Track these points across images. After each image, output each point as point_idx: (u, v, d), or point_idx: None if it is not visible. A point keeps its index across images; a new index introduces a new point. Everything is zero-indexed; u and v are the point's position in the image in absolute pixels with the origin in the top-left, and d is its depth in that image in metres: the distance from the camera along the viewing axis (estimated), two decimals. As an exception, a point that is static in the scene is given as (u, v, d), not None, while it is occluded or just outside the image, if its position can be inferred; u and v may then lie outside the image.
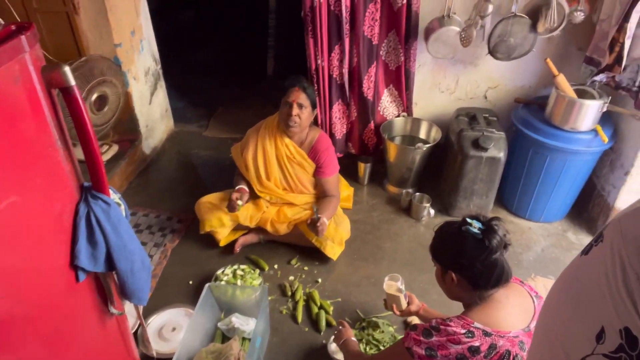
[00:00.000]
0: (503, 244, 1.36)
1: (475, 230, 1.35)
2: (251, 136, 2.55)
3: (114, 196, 1.25)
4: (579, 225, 2.83)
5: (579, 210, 2.87)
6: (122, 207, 1.28)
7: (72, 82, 1.06)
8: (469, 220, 1.38)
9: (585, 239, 2.74)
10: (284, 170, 2.51)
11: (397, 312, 1.94)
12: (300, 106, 2.33)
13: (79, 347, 1.29)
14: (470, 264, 1.36)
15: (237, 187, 2.50)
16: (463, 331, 1.31)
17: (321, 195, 2.57)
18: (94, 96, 2.72)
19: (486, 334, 1.30)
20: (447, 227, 1.47)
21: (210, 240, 2.57)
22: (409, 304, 1.94)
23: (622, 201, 2.55)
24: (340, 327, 1.91)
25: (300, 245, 2.56)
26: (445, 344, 1.31)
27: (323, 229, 2.31)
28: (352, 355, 1.75)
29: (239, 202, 2.36)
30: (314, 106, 2.40)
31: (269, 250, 2.60)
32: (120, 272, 1.24)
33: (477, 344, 1.28)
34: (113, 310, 1.35)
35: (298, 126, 2.37)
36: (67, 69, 1.05)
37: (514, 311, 1.38)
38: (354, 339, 1.85)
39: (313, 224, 2.31)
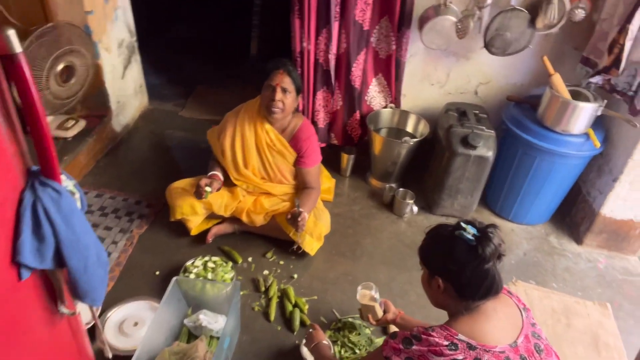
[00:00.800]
0: (497, 254, 1.26)
1: (469, 236, 1.26)
2: (229, 120, 2.39)
3: (67, 183, 1.10)
4: (562, 230, 2.78)
5: (562, 214, 2.82)
6: (77, 195, 1.12)
7: (18, 48, 0.89)
8: (463, 224, 1.29)
9: (567, 244, 2.69)
10: (263, 159, 2.37)
11: (373, 322, 1.84)
12: (284, 91, 2.19)
13: (23, 350, 1.14)
14: (460, 271, 1.27)
15: (210, 174, 2.35)
16: (446, 343, 1.22)
17: (301, 186, 2.44)
18: (60, 66, 2.50)
19: (470, 347, 1.21)
20: (440, 230, 1.37)
21: (180, 228, 2.42)
22: (385, 312, 1.84)
23: (609, 208, 2.50)
24: (311, 329, 1.81)
25: (277, 238, 2.43)
26: (426, 355, 1.22)
27: (304, 224, 2.19)
28: None
29: (207, 189, 2.20)
30: (298, 91, 2.26)
31: (243, 242, 2.47)
32: (72, 270, 1.09)
33: (460, 357, 1.19)
34: (63, 310, 1.20)
35: (281, 112, 2.23)
36: (11, 33, 0.88)
37: (501, 324, 1.29)
38: (326, 342, 1.74)
39: (294, 218, 2.18)
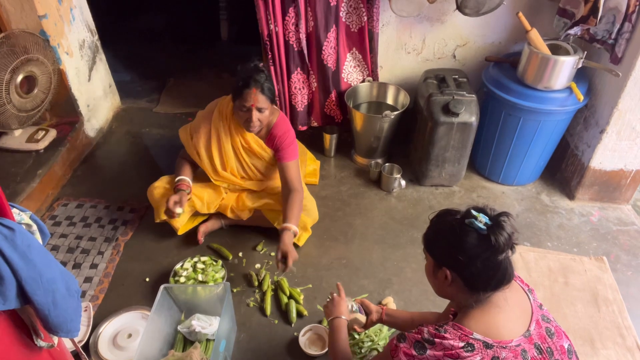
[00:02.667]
0: (510, 244, 1.16)
1: (481, 225, 1.15)
2: (203, 122, 2.25)
3: (22, 216, 1.03)
4: (553, 187, 2.75)
5: (552, 171, 2.78)
6: (34, 227, 1.06)
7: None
8: (474, 212, 1.18)
9: (559, 201, 2.66)
10: (241, 160, 2.27)
11: (360, 330, 1.76)
12: (260, 110, 2.07)
13: (5, 389, 1.10)
14: (470, 263, 1.17)
15: (177, 180, 2.23)
16: (461, 344, 1.14)
17: (283, 186, 2.26)
18: (20, 77, 2.40)
19: (487, 346, 1.14)
20: (447, 216, 1.25)
21: (167, 229, 2.36)
22: (367, 314, 1.74)
23: (598, 160, 2.46)
24: (330, 297, 1.68)
25: (267, 228, 2.38)
26: (442, 359, 1.15)
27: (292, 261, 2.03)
28: (338, 351, 1.53)
29: (178, 210, 2.15)
30: (273, 100, 2.14)
31: (232, 237, 2.42)
32: (39, 306, 1.03)
33: (477, 358, 1.13)
34: (41, 343, 1.15)
35: (259, 128, 2.14)
36: None
37: (513, 315, 1.22)
38: (343, 317, 1.60)
39: (284, 258, 2.01)
